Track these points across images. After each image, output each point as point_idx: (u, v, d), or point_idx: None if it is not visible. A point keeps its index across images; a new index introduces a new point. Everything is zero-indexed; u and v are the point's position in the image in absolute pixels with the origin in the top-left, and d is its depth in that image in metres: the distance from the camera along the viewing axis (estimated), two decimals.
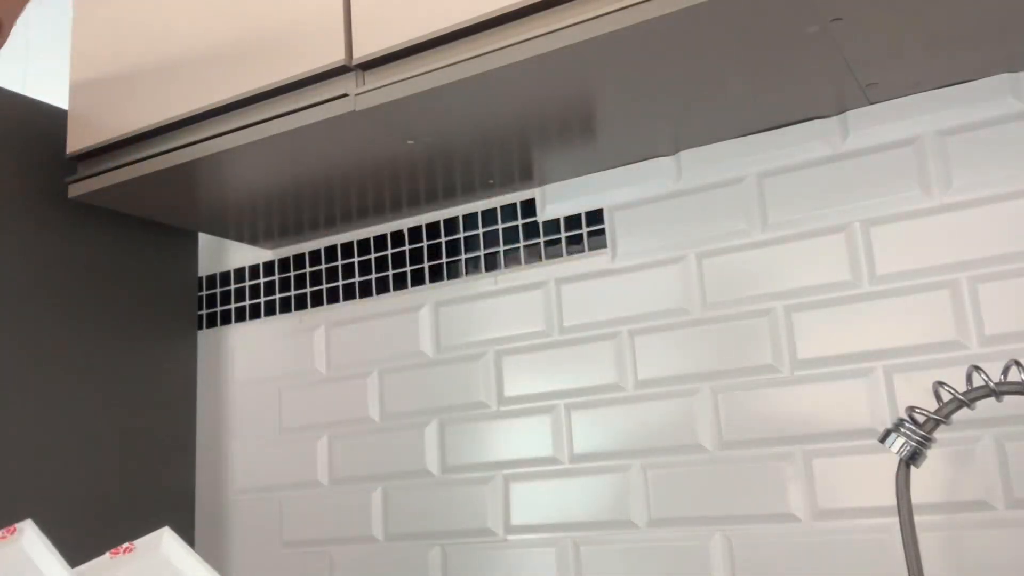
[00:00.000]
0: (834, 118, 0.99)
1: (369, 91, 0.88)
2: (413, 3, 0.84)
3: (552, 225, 1.16)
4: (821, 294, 0.97)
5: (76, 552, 1.12)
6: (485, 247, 1.20)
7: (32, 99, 1.18)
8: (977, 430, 0.87)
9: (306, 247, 1.35)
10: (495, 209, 1.20)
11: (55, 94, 1.71)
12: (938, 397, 0.76)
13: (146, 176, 1.06)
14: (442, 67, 0.83)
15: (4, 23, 0.71)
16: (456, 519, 1.16)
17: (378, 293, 1.28)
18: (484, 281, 1.19)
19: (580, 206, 1.14)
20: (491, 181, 1.14)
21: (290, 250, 1.36)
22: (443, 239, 1.24)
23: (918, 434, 0.75)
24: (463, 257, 1.22)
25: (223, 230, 1.29)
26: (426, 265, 1.25)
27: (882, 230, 0.95)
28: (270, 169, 1.05)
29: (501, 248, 1.19)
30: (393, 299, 1.26)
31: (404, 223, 1.27)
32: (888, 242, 0.95)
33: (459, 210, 1.23)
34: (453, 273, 1.22)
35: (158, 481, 1.26)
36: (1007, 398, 0.75)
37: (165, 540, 0.79)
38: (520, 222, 1.18)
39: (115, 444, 1.22)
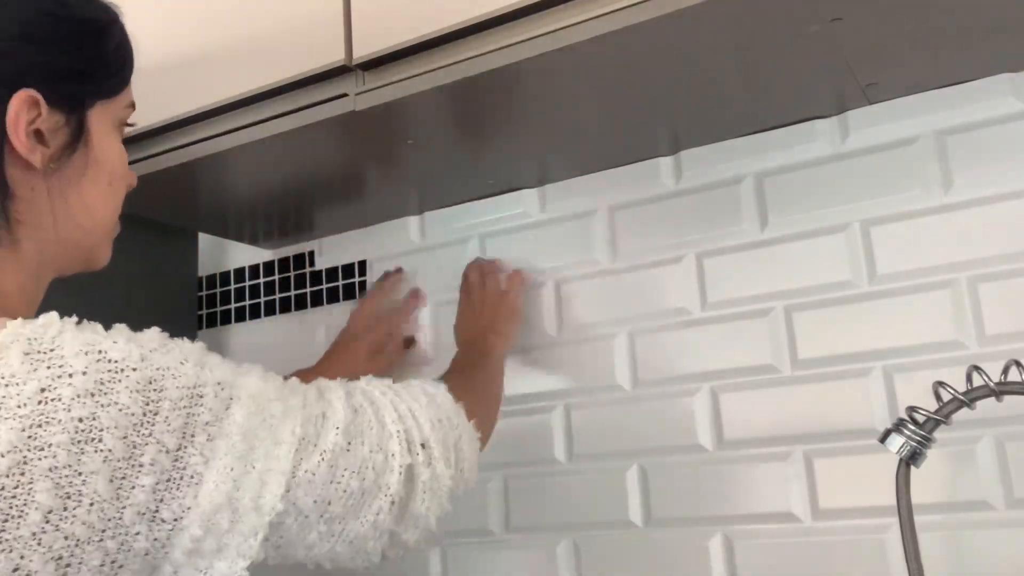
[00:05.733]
0: (834, 118, 0.99)
1: (369, 91, 0.88)
2: (413, 3, 0.84)
3: None
4: (821, 294, 0.97)
5: None
6: None
7: None
8: (977, 430, 0.87)
9: (306, 247, 1.35)
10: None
11: None
12: (938, 397, 0.76)
13: (146, 176, 1.05)
14: (442, 67, 0.83)
15: None
16: (456, 519, 1.15)
17: None
18: None
19: (579, 206, 1.14)
20: (490, 181, 1.14)
21: (290, 250, 1.36)
22: None
23: (918, 434, 0.75)
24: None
25: (223, 230, 1.29)
26: None
27: (882, 230, 0.95)
28: (270, 169, 1.04)
29: None
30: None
31: None
32: (888, 242, 0.95)
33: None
34: None
35: None
36: (1007, 398, 0.75)
37: None
38: None
39: None
